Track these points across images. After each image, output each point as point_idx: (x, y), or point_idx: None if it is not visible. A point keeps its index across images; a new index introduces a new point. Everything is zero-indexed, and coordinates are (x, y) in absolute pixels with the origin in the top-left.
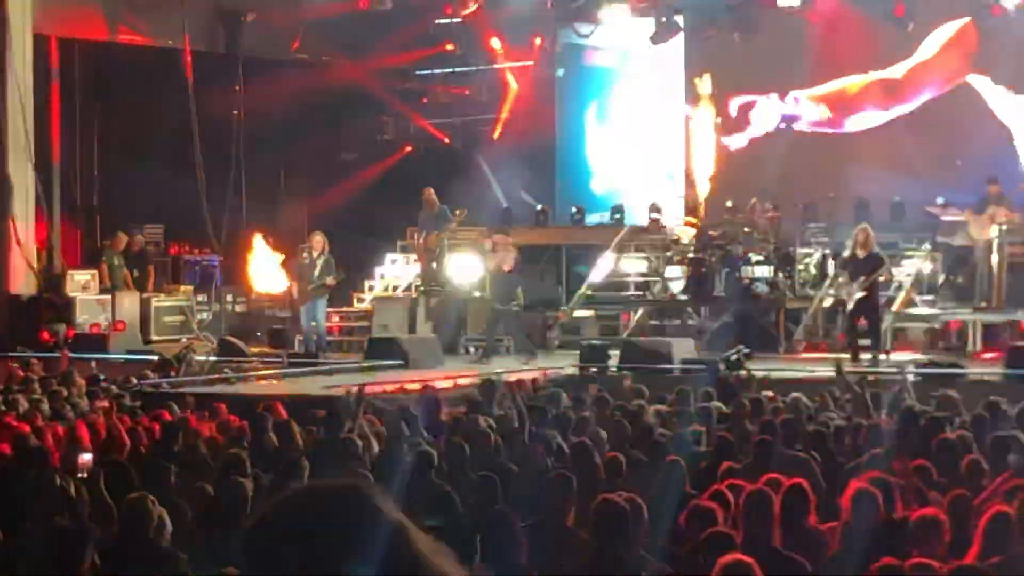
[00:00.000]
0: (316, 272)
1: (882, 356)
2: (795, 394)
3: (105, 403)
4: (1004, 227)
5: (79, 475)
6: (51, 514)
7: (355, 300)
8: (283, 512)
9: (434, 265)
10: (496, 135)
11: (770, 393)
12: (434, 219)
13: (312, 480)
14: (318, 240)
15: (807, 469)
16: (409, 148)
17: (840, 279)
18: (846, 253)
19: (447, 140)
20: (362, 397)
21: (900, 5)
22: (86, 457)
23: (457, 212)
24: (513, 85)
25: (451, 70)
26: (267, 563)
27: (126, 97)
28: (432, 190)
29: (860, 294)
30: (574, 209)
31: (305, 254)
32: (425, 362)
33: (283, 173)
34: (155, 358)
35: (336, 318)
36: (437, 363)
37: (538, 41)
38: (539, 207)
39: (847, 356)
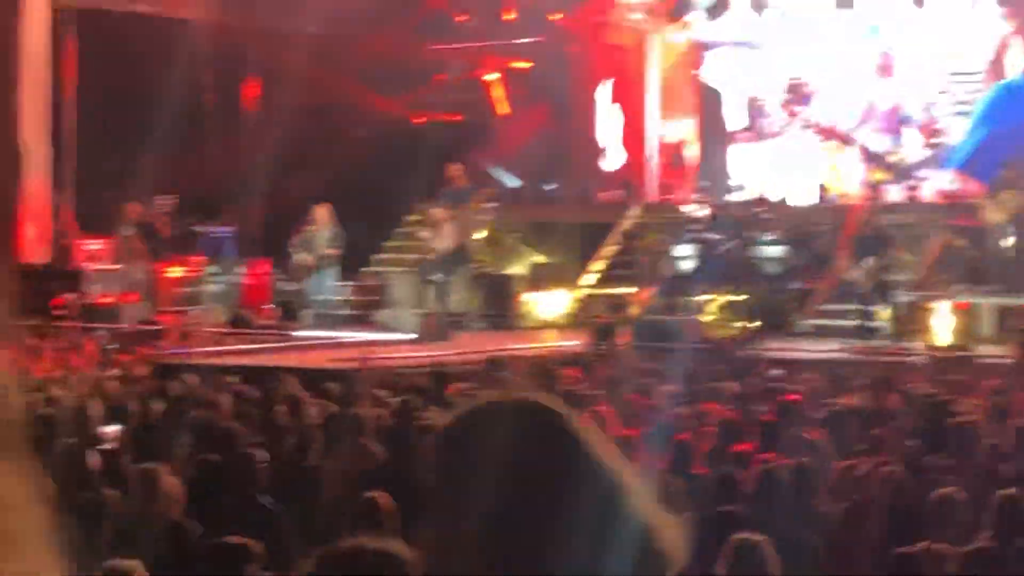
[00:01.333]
0: (321, 244)
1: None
2: (807, 375)
3: (117, 372)
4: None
5: (107, 446)
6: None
7: (364, 274)
8: (474, 417)
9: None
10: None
11: (779, 372)
12: (457, 195)
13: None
14: (322, 212)
15: (818, 451)
16: (416, 120)
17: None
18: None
19: (460, 117)
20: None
21: None
22: (113, 429)
23: (483, 190)
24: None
25: (466, 45)
26: (456, 469)
27: (142, 68)
28: (460, 166)
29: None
30: (584, 185)
31: (309, 227)
32: (434, 336)
33: (295, 144)
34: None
35: (347, 291)
36: (444, 338)
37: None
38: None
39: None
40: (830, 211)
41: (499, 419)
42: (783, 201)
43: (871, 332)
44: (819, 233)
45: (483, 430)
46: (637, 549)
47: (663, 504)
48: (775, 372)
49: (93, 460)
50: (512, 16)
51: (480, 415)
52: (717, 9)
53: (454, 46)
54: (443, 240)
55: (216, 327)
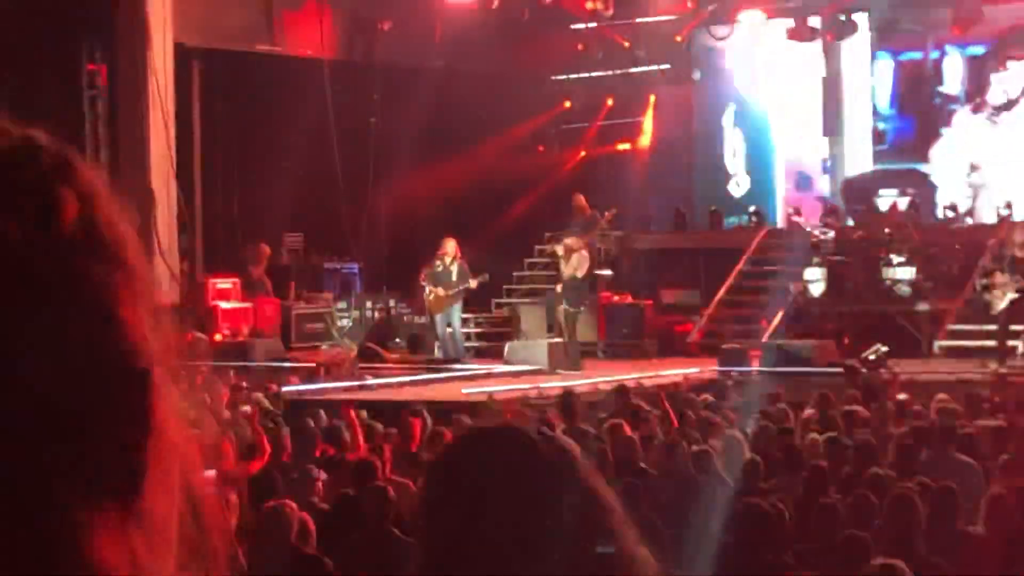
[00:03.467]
0: (453, 278)
1: None
2: (941, 395)
3: (248, 409)
4: None
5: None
6: None
7: (493, 305)
8: (456, 451)
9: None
10: (641, 140)
11: (905, 396)
12: (582, 224)
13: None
14: (451, 245)
15: (960, 472)
16: (541, 148)
17: (998, 278)
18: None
19: (584, 154)
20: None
21: None
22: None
23: (607, 213)
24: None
25: (588, 74)
26: (441, 492)
27: (265, 106)
28: (582, 196)
29: (1014, 295)
30: (711, 211)
31: (438, 261)
32: (564, 366)
33: (419, 179)
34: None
35: (473, 324)
36: (575, 367)
37: (678, 38)
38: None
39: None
40: (961, 232)
41: (480, 449)
42: (916, 219)
43: (1007, 353)
44: (950, 254)
45: (464, 461)
46: None
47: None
48: (906, 395)
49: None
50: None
51: (463, 446)
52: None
53: (579, 75)
54: (573, 269)
55: (352, 361)
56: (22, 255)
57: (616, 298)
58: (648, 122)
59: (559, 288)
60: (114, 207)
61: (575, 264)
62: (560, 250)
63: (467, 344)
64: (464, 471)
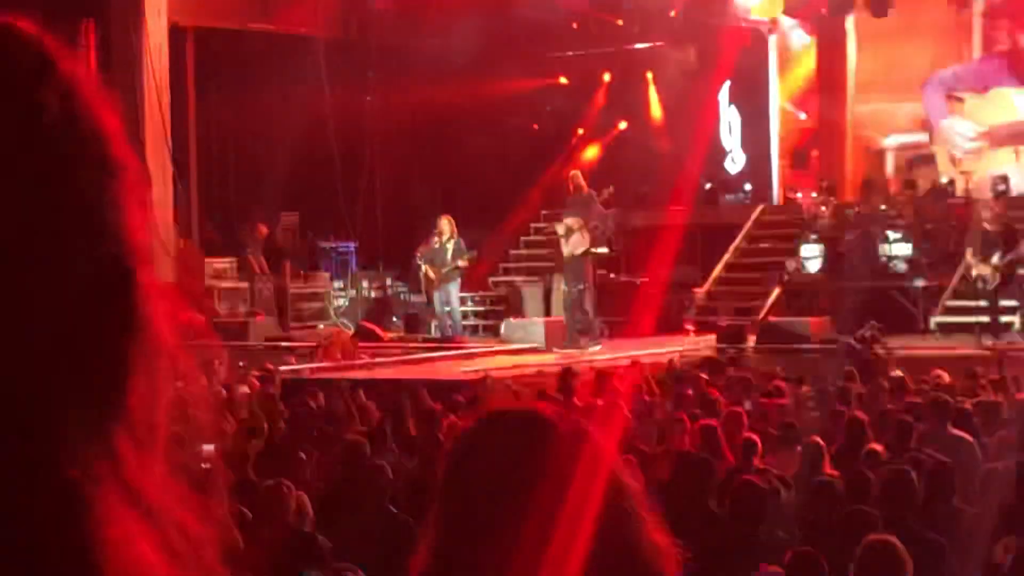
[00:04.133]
0: (447, 256)
1: None
2: (936, 371)
3: (246, 390)
4: None
5: (202, 466)
6: None
7: (491, 284)
8: (473, 435)
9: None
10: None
11: (901, 372)
12: (580, 203)
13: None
14: (445, 224)
15: (955, 448)
16: (536, 126)
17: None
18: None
19: (581, 132)
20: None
21: None
22: (208, 448)
23: (604, 191)
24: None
25: (584, 52)
26: (461, 489)
27: (260, 85)
28: (579, 173)
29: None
30: (707, 187)
31: (435, 239)
32: (562, 344)
33: (415, 157)
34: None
35: (472, 303)
36: (573, 345)
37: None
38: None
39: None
40: (957, 207)
41: (500, 430)
42: (911, 195)
43: (1001, 328)
44: (947, 230)
45: (485, 440)
46: (634, 567)
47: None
48: (902, 371)
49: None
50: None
51: (482, 429)
52: None
53: (572, 53)
54: (572, 248)
55: (348, 341)
56: (3, 158)
57: (612, 276)
58: (652, 95)
59: (557, 265)
60: (98, 100)
61: (574, 243)
62: (561, 229)
63: (464, 323)
64: (483, 454)
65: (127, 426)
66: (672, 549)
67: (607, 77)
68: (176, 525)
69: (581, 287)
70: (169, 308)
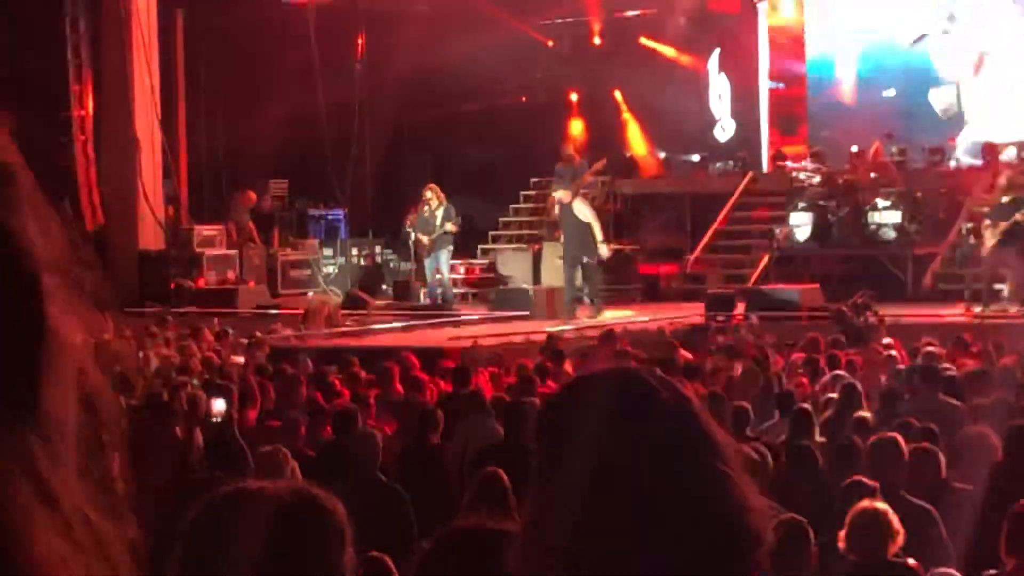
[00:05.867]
0: (437, 222)
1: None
2: (926, 339)
3: (241, 358)
4: None
5: (213, 420)
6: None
7: (479, 251)
8: (570, 393)
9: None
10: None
11: (890, 339)
12: (571, 172)
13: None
14: (430, 193)
15: (945, 415)
16: (524, 99)
17: (985, 222)
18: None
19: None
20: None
21: None
22: (220, 405)
23: (596, 163)
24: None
25: (574, 19)
26: (555, 440)
27: (249, 51)
28: (571, 143)
29: (1000, 236)
30: (697, 157)
31: (425, 206)
32: (550, 312)
33: (404, 125)
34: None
35: (461, 269)
36: (564, 314)
37: None
38: None
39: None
40: (947, 175)
41: (599, 391)
42: (901, 163)
43: (992, 296)
44: (936, 198)
45: (583, 402)
46: (729, 526)
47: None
48: (892, 339)
49: (199, 441)
50: None
51: (581, 388)
52: None
53: (561, 20)
54: (576, 215)
55: (335, 308)
56: None
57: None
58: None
59: (547, 234)
60: None
61: (580, 211)
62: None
63: (454, 291)
64: (581, 416)
65: (38, 427)
66: (768, 512)
67: (598, 39)
68: (85, 522)
69: (586, 260)
70: (75, 311)
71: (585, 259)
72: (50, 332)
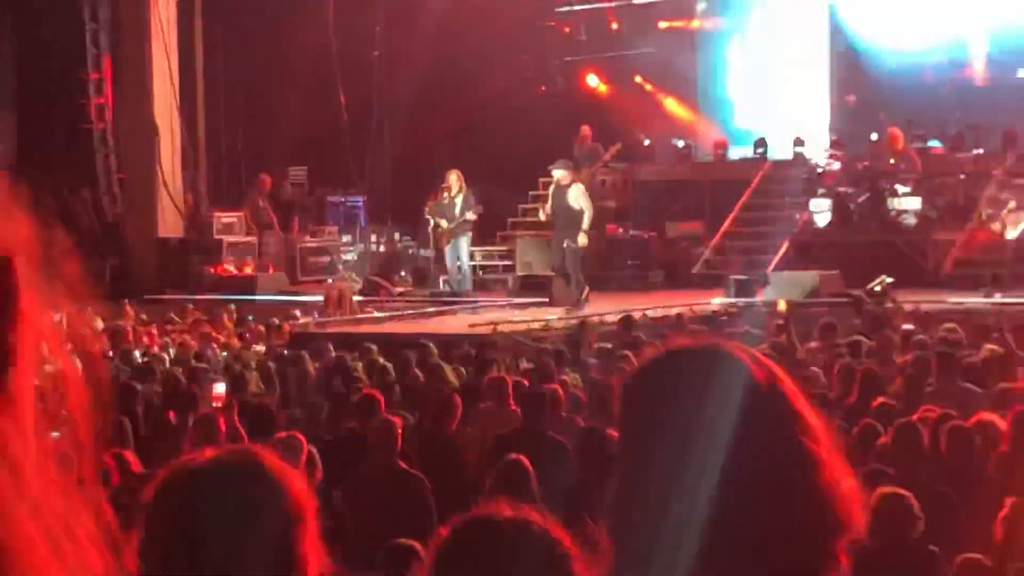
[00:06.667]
0: (456, 210)
1: None
2: (946, 325)
3: (262, 348)
4: None
5: (214, 405)
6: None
7: (498, 238)
8: (655, 366)
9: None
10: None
11: (911, 325)
12: (585, 157)
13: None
14: (454, 177)
15: (965, 401)
16: (543, 88)
17: (1008, 208)
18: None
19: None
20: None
21: None
22: (219, 388)
23: (611, 147)
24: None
25: (593, 6)
26: (645, 413)
27: (268, 37)
28: (587, 128)
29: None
30: (716, 142)
31: (443, 193)
32: (570, 300)
33: (423, 112)
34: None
35: (481, 257)
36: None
37: None
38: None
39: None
40: (966, 161)
41: (692, 365)
42: (923, 150)
43: (1011, 283)
44: (955, 184)
45: (675, 376)
46: (814, 511)
47: None
48: (912, 325)
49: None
50: None
51: (672, 362)
52: None
53: (580, 8)
54: (574, 202)
55: (353, 295)
56: None
57: (621, 230)
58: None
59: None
60: None
61: (574, 197)
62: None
63: (473, 277)
64: (667, 391)
65: (7, 409)
66: (857, 494)
67: (615, 24)
68: (49, 502)
69: (567, 242)
70: (41, 299)
71: (566, 243)
72: (22, 313)
